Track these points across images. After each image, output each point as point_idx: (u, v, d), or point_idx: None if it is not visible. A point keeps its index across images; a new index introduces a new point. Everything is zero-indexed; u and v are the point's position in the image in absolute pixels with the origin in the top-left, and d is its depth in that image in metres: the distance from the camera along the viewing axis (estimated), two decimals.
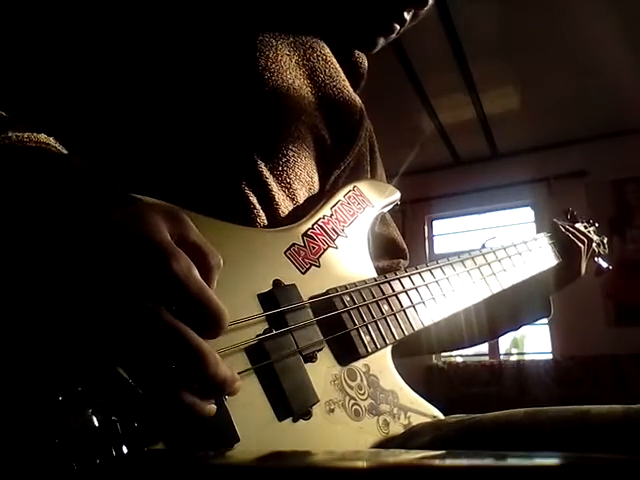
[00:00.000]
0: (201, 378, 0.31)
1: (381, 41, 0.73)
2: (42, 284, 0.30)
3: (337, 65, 0.69)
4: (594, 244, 1.04)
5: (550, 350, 3.58)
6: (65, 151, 0.38)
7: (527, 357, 3.95)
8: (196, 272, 0.32)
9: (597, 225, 1.17)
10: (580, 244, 0.97)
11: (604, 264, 1.17)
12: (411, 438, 0.50)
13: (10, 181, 0.33)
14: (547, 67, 2.91)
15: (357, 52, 0.74)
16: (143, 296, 0.30)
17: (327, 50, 0.67)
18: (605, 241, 1.19)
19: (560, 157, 3.74)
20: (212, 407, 0.32)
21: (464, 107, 3.39)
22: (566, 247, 0.98)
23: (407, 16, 0.70)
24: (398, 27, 0.71)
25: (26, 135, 0.36)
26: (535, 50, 2.78)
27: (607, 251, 1.19)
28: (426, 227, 4.30)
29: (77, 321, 0.29)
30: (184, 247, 0.33)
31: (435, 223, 4.38)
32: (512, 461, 0.22)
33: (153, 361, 0.30)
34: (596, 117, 3.38)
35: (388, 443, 0.49)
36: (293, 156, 0.58)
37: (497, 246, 0.81)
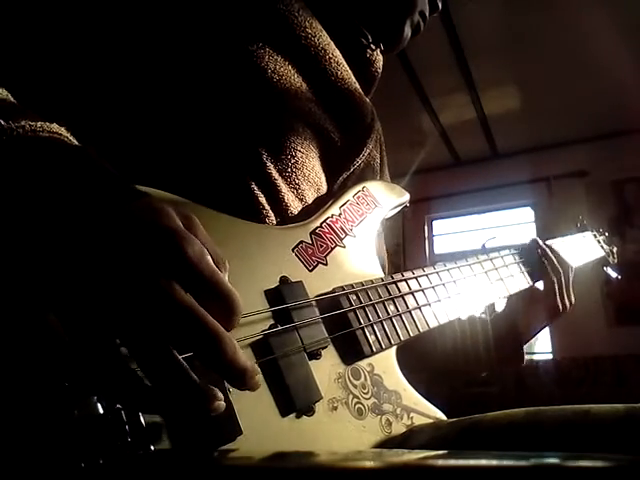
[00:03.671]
0: (218, 363, 0.31)
1: (407, 30, 0.76)
2: (54, 273, 0.30)
3: (347, 68, 0.69)
4: (568, 271, 0.82)
5: (550, 350, 3.58)
6: (76, 141, 0.38)
7: (527, 357, 3.94)
8: (209, 258, 0.32)
9: (607, 234, 1.16)
10: (553, 276, 0.79)
11: (613, 274, 1.16)
12: (411, 438, 0.51)
13: (25, 171, 0.33)
14: (547, 67, 2.91)
15: (370, 51, 0.75)
16: (158, 277, 0.30)
17: (338, 53, 0.67)
18: (615, 251, 1.18)
19: (560, 157, 3.74)
20: (221, 404, 0.31)
21: (464, 107, 3.38)
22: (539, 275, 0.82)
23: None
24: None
25: (39, 124, 0.36)
26: (535, 50, 2.78)
27: (616, 261, 1.17)
28: (426, 227, 4.29)
29: (88, 307, 0.30)
30: None
31: (435, 223, 4.38)
32: (513, 461, 0.23)
33: (165, 346, 0.30)
34: (596, 117, 3.38)
35: (388, 442, 0.49)
36: (301, 157, 0.58)
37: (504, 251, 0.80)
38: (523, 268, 0.80)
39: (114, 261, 0.30)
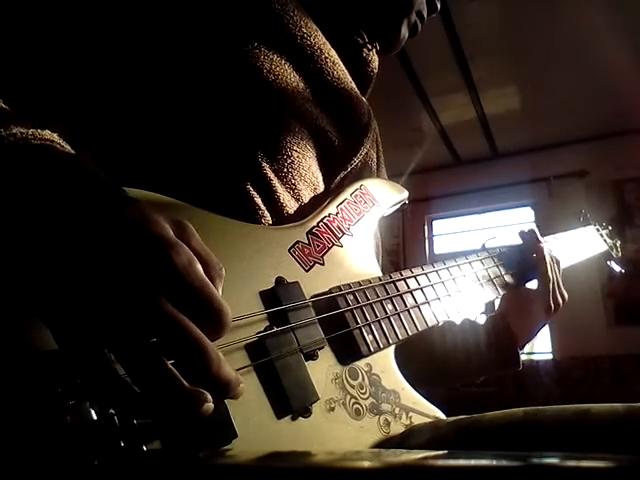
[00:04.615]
0: (203, 375, 0.30)
1: (404, 30, 0.76)
2: (43, 281, 0.30)
3: (343, 67, 0.69)
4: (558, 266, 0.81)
5: (550, 350, 3.58)
6: (69, 147, 0.38)
7: (527, 357, 3.95)
8: (198, 266, 0.32)
9: (610, 228, 1.15)
10: (550, 275, 0.76)
11: (617, 267, 1.16)
12: (409, 438, 0.50)
13: (15, 179, 0.33)
14: (547, 67, 2.92)
15: (366, 51, 0.74)
16: (145, 287, 0.30)
17: (333, 52, 0.67)
18: (619, 244, 1.18)
19: (560, 157, 3.75)
20: (209, 406, 0.31)
21: (464, 107, 3.39)
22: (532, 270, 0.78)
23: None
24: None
25: (30, 132, 0.36)
26: (535, 50, 2.78)
27: (620, 254, 1.16)
28: (426, 227, 4.30)
29: (78, 313, 0.29)
30: None
31: (435, 223, 4.38)
32: (512, 462, 0.22)
33: (150, 354, 0.30)
34: (596, 117, 3.39)
35: (386, 442, 0.49)
36: (297, 157, 0.58)
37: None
38: (508, 270, 0.77)
39: (102, 270, 0.30)
